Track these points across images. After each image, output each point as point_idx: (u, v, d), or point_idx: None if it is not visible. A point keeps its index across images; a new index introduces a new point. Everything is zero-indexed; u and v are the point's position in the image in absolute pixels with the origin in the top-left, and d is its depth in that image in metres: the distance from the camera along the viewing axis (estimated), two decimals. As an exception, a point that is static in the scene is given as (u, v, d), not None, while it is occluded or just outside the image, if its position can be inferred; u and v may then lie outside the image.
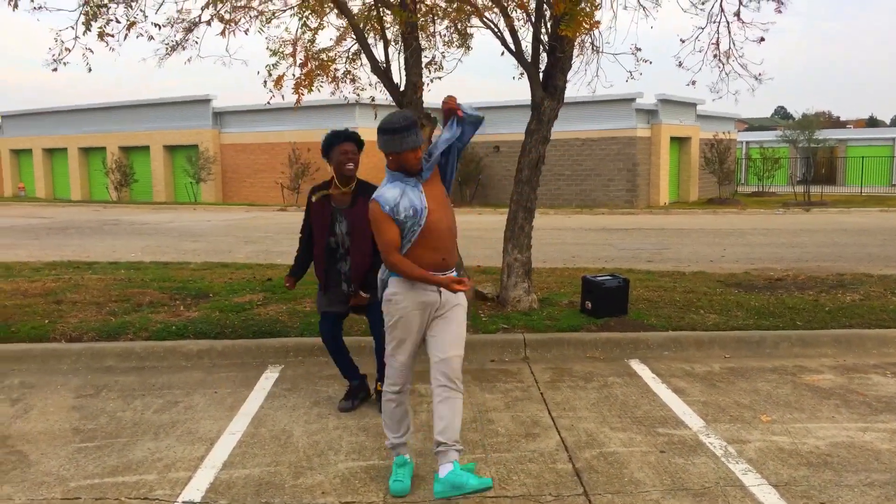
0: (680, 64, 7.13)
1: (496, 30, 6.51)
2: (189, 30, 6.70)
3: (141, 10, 6.33)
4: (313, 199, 4.56)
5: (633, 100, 25.40)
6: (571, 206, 25.62)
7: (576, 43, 6.64)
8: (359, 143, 4.49)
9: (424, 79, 7.02)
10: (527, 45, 6.73)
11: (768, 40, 7.13)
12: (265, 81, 6.67)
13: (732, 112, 32.45)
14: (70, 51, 6.20)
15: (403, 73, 6.88)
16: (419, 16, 6.79)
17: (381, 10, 6.85)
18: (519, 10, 6.57)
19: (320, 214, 4.51)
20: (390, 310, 3.56)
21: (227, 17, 6.62)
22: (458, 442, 3.54)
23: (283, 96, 6.71)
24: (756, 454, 3.95)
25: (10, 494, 3.53)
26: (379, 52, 6.94)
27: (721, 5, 6.97)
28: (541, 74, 6.75)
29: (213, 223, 19.05)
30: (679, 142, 28.87)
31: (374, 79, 7.16)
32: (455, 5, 6.61)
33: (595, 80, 7.12)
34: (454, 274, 3.59)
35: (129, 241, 14.24)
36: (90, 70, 6.48)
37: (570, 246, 13.42)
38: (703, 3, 6.97)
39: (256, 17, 6.81)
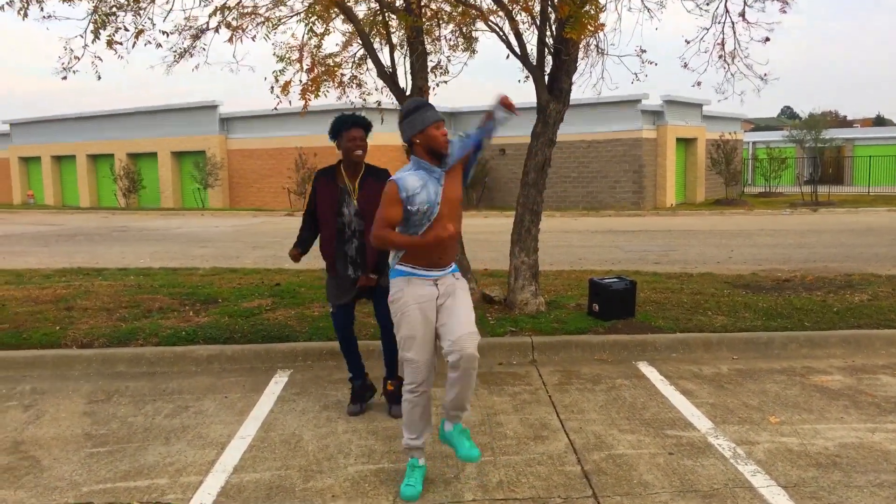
0: (685, 65, 7.14)
1: (501, 33, 6.53)
2: (196, 37, 6.76)
3: (149, 18, 6.40)
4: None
5: (638, 101, 25.37)
6: (578, 209, 25.60)
7: (581, 45, 6.67)
8: (367, 127, 4.49)
9: (430, 83, 7.06)
10: (532, 48, 6.76)
11: (774, 40, 7.13)
12: (272, 87, 6.72)
13: (738, 112, 32.36)
14: (79, 59, 6.27)
15: (409, 77, 6.93)
16: (424, 20, 6.83)
17: (386, 15, 6.89)
18: (524, 14, 6.59)
19: (328, 196, 4.51)
20: (393, 309, 3.61)
21: (234, 23, 6.68)
22: (465, 410, 3.66)
23: (290, 102, 6.76)
24: (765, 455, 3.95)
25: (23, 499, 3.57)
26: (385, 57, 6.99)
27: (726, 6, 6.99)
28: (546, 77, 6.77)
29: (221, 228, 19.13)
30: (685, 143, 28.81)
31: (380, 83, 7.20)
32: (460, 9, 6.65)
33: (600, 82, 7.16)
34: (451, 271, 3.64)
35: (137, 248, 14.33)
36: (99, 78, 6.55)
37: (577, 248, 13.41)
38: (707, 4, 6.99)
39: (263, 23, 6.86)
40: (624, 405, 4.79)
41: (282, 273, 9.64)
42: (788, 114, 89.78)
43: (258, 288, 8.32)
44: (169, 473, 3.82)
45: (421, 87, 6.83)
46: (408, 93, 6.92)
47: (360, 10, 7.20)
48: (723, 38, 7.08)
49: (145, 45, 6.58)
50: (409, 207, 3.47)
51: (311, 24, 6.85)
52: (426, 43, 7.02)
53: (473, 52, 7.72)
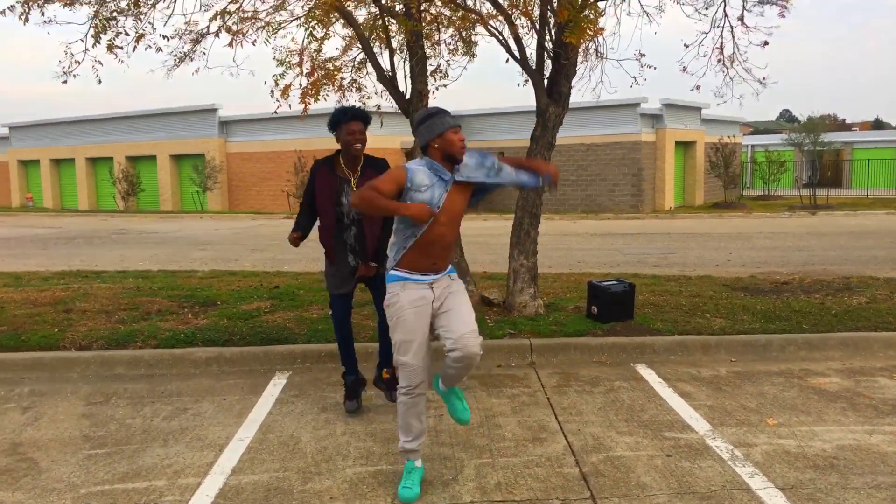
0: (684, 69, 7.16)
1: (501, 38, 6.56)
2: (197, 41, 6.78)
3: (150, 23, 6.42)
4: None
5: (637, 105, 25.42)
6: (577, 212, 25.63)
7: (580, 49, 6.69)
8: (367, 121, 4.51)
9: (430, 86, 7.08)
10: (531, 52, 6.78)
11: (772, 44, 7.16)
12: (272, 91, 6.74)
13: (737, 116, 32.42)
14: (80, 63, 6.28)
15: (409, 81, 6.95)
16: (424, 25, 6.86)
17: (386, 19, 6.91)
18: (523, 18, 6.61)
19: (326, 186, 4.52)
20: (389, 314, 3.63)
21: (234, 28, 6.70)
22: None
23: (289, 105, 6.78)
24: (762, 457, 3.96)
25: (21, 501, 3.57)
26: (384, 61, 7.02)
27: (724, 10, 7.01)
28: (545, 81, 6.79)
29: (220, 231, 19.15)
30: (684, 146, 28.86)
31: (380, 87, 7.23)
32: (460, 14, 6.67)
33: (599, 85, 7.17)
34: (448, 272, 3.67)
35: (136, 250, 14.34)
36: (100, 82, 6.57)
37: (576, 251, 13.43)
38: (706, 9, 7.02)
39: (263, 27, 6.88)
40: (622, 407, 4.80)
41: (280, 276, 9.65)
42: (787, 117, 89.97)
43: (257, 290, 8.33)
44: (167, 475, 3.83)
45: (420, 90, 6.85)
46: (407, 96, 6.94)
47: (360, 15, 7.23)
48: (721, 42, 7.11)
49: (146, 49, 6.60)
50: (408, 201, 3.49)
51: (311, 29, 6.88)
52: (426, 47, 7.05)
53: (473, 56, 7.75)
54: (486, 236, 15.17)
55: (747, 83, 7.16)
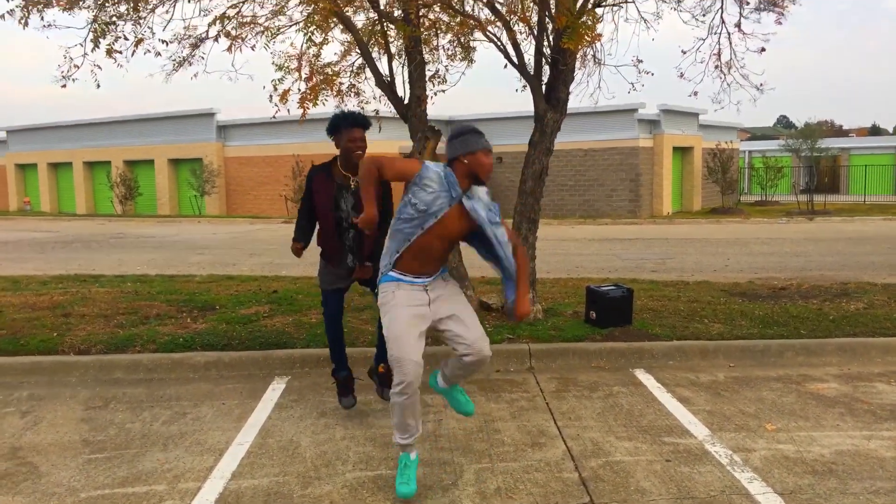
0: (682, 75, 7.19)
1: (499, 43, 6.58)
2: (196, 46, 6.80)
3: (149, 28, 6.44)
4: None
5: (635, 110, 25.50)
6: (575, 217, 25.67)
7: (578, 55, 6.71)
8: (367, 126, 4.54)
9: (428, 92, 7.09)
10: (529, 57, 6.80)
11: (769, 50, 7.19)
12: (271, 96, 6.75)
13: (735, 121, 32.52)
14: (79, 67, 6.29)
15: (407, 86, 6.97)
16: (422, 30, 6.87)
17: (385, 24, 6.94)
18: (521, 24, 6.64)
19: (324, 191, 4.55)
20: (382, 312, 3.68)
21: (233, 33, 6.71)
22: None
23: (288, 110, 6.79)
24: (761, 462, 3.97)
25: (21, 506, 3.57)
26: (383, 66, 7.04)
27: (721, 17, 7.05)
28: (543, 87, 6.82)
29: (218, 236, 19.14)
30: (682, 151, 28.94)
31: (379, 92, 7.24)
32: (458, 20, 6.69)
33: (597, 91, 7.19)
34: (441, 273, 3.74)
35: (134, 255, 14.32)
36: (98, 86, 6.58)
37: (574, 256, 13.45)
38: (703, 15, 7.06)
39: (262, 32, 6.89)
40: (621, 412, 4.81)
41: (279, 280, 9.64)
42: (784, 123, 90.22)
43: (256, 295, 8.33)
44: (167, 480, 3.82)
45: (419, 95, 6.87)
46: (406, 101, 6.96)
47: (359, 20, 7.25)
48: (719, 49, 7.15)
49: (144, 53, 6.62)
50: (410, 196, 3.53)
51: (309, 34, 6.89)
52: (424, 52, 7.06)
53: (471, 61, 7.77)
54: (484, 241, 15.16)
55: (744, 89, 7.20)
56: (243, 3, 6.66)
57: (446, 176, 3.56)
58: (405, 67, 7.02)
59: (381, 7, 6.83)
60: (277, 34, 6.99)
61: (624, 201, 26.45)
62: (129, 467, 3.98)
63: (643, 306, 7.40)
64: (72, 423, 4.70)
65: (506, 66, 6.80)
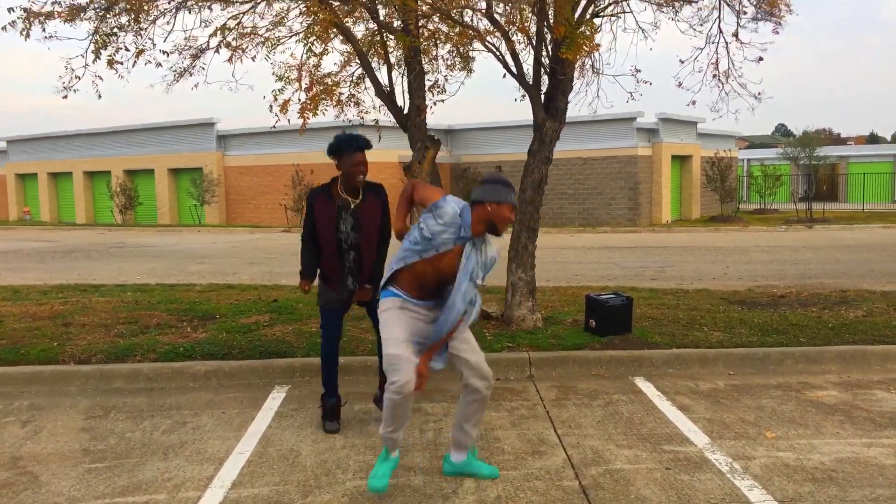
0: (680, 84, 7.23)
1: (498, 53, 6.62)
2: (196, 56, 6.83)
3: (149, 39, 6.47)
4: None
5: (633, 119, 25.59)
6: (574, 225, 25.70)
7: (576, 65, 6.76)
8: (369, 149, 4.58)
9: (427, 101, 7.13)
10: (528, 67, 6.84)
11: (767, 59, 7.22)
12: (271, 106, 6.78)
13: (733, 130, 32.64)
14: (80, 78, 6.33)
15: (407, 96, 7.01)
16: (422, 40, 6.92)
17: (384, 35, 6.98)
18: (520, 34, 6.68)
19: (324, 213, 4.58)
20: (381, 317, 3.73)
21: (234, 44, 6.75)
22: (476, 437, 3.87)
23: (288, 120, 6.83)
24: (761, 470, 3.98)
25: (22, 515, 3.57)
26: (383, 76, 7.08)
27: (719, 26, 7.10)
28: (542, 96, 6.86)
29: (218, 245, 19.15)
30: (680, 160, 29.01)
31: (378, 102, 7.28)
32: (457, 30, 6.73)
33: (596, 100, 7.22)
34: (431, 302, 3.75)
35: (134, 264, 14.33)
36: (100, 97, 6.61)
37: (574, 265, 13.46)
38: (701, 25, 7.11)
39: (262, 43, 6.94)
40: (621, 420, 4.81)
41: (279, 289, 9.66)
42: (783, 131, 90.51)
43: (256, 304, 8.34)
44: (167, 489, 3.82)
45: (418, 105, 6.91)
46: (405, 111, 6.99)
47: (359, 31, 7.29)
48: (717, 58, 7.19)
49: (145, 64, 6.65)
50: (421, 221, 3.58)
51: (309, 45, 6.94)
52: (424, 62, 7.11)
53: (470, 71, 7.81)
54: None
55: (743, 98, 7.24)
56: (244, 14, 6.71)
57: (462, 213, 3.56)
58: (405, 77, 7.06)
59: (381, 18, 6.87)
60: (278, 45, 7.04)
61: (623, 209, 26.50)
62: (129, 476, 3.99)
63: (643, 314, 7.42)
64: (72, 432, 4.70)
65: (505, 76, 6.84)
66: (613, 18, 6.99)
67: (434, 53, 7.54)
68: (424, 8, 6.48)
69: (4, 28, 6.13)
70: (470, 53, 7.64)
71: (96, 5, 6.12)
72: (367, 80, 7.14)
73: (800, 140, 43.83)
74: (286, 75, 6.95)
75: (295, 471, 4.05)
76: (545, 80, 6.84)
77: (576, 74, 6.90)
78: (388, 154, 24.57)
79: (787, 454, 4.19)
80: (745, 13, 6.97)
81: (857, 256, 14.36)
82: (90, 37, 6.27)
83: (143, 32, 6.43)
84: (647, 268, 12.89)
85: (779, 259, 14.15)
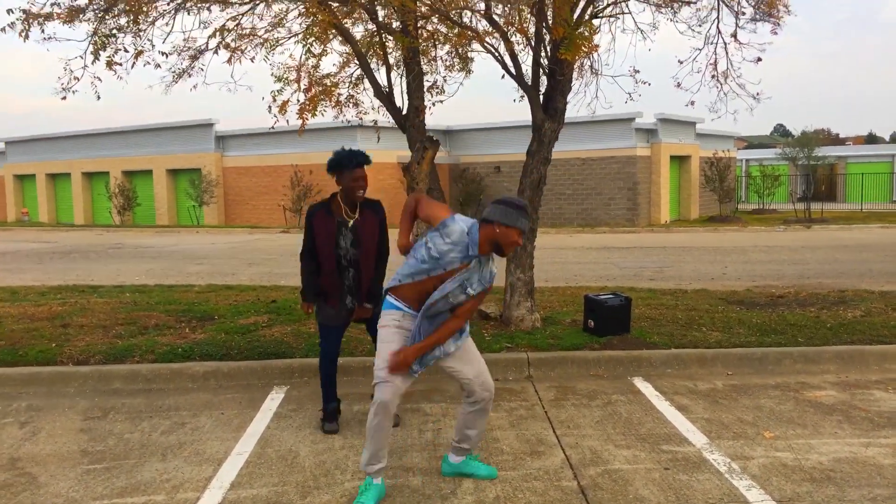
0: (678, 84, 7.24)
1: (497, 54, 6.62)
2: (195, 57, 6.83)
3: (148, 40, 6.47)
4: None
5: (632, 119, 25.60)
6: (573, 226, 25.71)
7: (575, 66, 6.76)
8: (368, 163, 4.59)
9: (426, 102, 7.14)
10: (527, 68, 6.85)
11: (766, 60, 7.26)
12: (270, 107, 6.79)
13: (732, 130, 32.66)
14: (79, 79, 6.33)
15: (406, 96, 7.01)
16: (421, 41, 6.92)
17: (383, 36, 6.99)
18: (519, 35, 6.68)
19: (324, 229, 4.58)
20: (380, 332, 3.72)
21: (233, 45, 6.75)
22: (477, 443, 3.89)
23: (287, 121, 6.83)
24: (759, 470, 3.98)
25: (20, 516, 3.57)
26: (381, 77, 7.08)
27: (718, 27, 7.11)
28: (541, 97, 6.86)
29: (217, 246, 19.14)
30: (679, 160, 29.03)
31: (377, 103, 7.29)
32: (456, 31, 6.74)
33: (595, 101, 7.23)
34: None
35: (133, 265, 14.32)
36: (99, 98, 6.61)
37: (572, 265, 13.47)
38: (700, 26, 7.12)
39: (261, 44, 6.94)
40: (619, 421, 4.82)
41: (278, 290, 9.65)
42: (781, 131, 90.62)
43: (254, 305, 8.34)
44: (166, 490, 3.83)
45: (417, 106, 6.91)
46: (404, 112, 6.99)
47: (358, 32, 7.30)
48: (715, 59, 7.20)
49: (144, 65, 6.65)
50: (428, 240, 3.57)
51: (308, 46, 6.94)
52: (422, 63, 7.11)
53: (469, 72, 7.82)
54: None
55: (741, 98, 7.25)
56: (243, 15, 6.71)
57: (469, 231, 3.54)
58: (403, 78, 7.06)
59: (380, 19, 6.88)
60: (277, 46, 7.04)
61: (622, 210, 26.51)
62: (127, 477, 3.99)
63: (641, 314, 7.42)
64: (70, 433, 4.70)
65: (503, 77, 6.85)
66: (612, 19, 7.01)
67: (433, 54, 7.55)
68: (423, 9, 6.49)
69: (3, 29, 6.13)
70: (469, 54, 7.65)
71: (95, 6, 6.12)
72: (366, 81, 7.14)
73: (798, 140, 43.86)
74: (285, 76, 6.96)
75: (293, 471, 4.05)
76: (544, 80, 6.85)
77: (574, 75, 6.91)
78: (386, 155, 24.59)
79: (786, 454, 4.20)
80: (743, 14, 6.98)
81: (855, 256, 14.38)
82: (89, 38, 6.27)
83: (141, 33, 6.43)
84: (645, 268, 12.90)
85: (777, 259, 14.16)
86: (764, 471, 3.97)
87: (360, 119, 7.80)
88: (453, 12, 6.51)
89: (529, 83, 6.81)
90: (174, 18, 6.47)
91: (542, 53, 6.70)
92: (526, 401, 5.27)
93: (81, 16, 6.12)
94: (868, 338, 6.52)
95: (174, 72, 6.89)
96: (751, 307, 8.01)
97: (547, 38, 6.52)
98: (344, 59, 7.41)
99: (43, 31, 6.10)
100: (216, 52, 6.80)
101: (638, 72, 6.73)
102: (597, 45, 6.33)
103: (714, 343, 6.40)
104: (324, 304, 4.70)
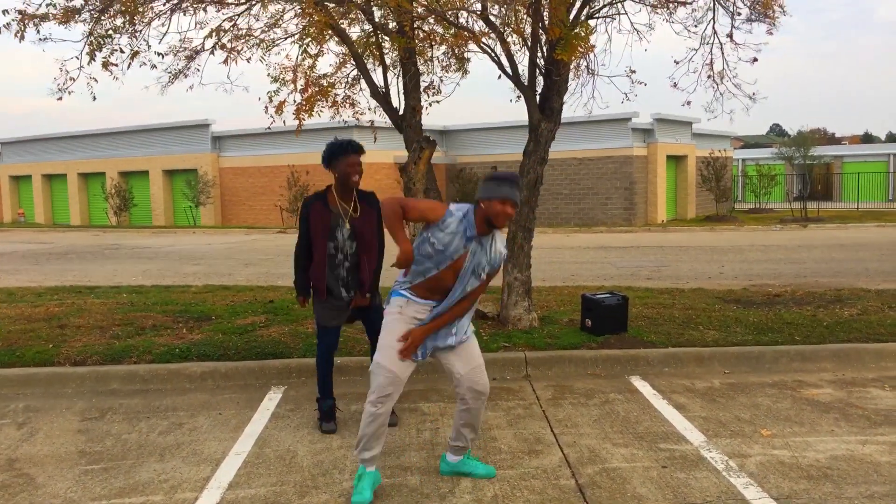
0: (675, 85, 7.25)
1: (493, 55, 6.63)
2: (191, 58, 6.84)
3: (144, 40, 6.48)
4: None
5: (629, 119, 25.64)
6: (570, 225, 25.74)
7: (571, 66, 6.77)
8: (362, 152, 4.58)
9: (423, 102, 7.15)
10: (523, 68, 6.86)
11: (762, 60, 7.26)
12: (266, 107, 6.78)
13: (728, 130, 32.73)
14: (75, 80, 6.32)
15: (402, 97, 7.02)
16: (417, 42, 6.92)
17: (380, 36, 6.99)
18: (515, 36, 6.70)
19: (320, 221, 4.56)
20: (384, 320, 3.75)
21: (229, 45, 6.75)
22: (473, 441, 3.89)
23: (284, 121, 6.82)
24: (757, 468, 3.99)
25: (18, 517, 3.56)
26: (378, 78, 7.08)
27: (714, 27, 7.13)
28: (538, 97, 6.87)
29: (213, 246, 19.12)
30: (675, 160, 29.07)
31: (374, 103, 7.29)
32: (453, 32, 6.74)
33: (591, 101, 7.24)
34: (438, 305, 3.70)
35: (129, 266, 14.30)
36: (94, 98, 6.60)
37: (570, 264, 13.49)
38: (696, 26, 7.13)
39: (258, 45, 6.94)
40: (617, 419, 4.82)
41: (275, 290, 9.65)
42: (777, 131, 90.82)
43: (251, 305, 8.33)
44: (164, 490, 3.82)
45: (414, 106, 6.92)
46: (401, 112, 7.00)
47: (354, 32, 7.30)
48: (711, 59, 7.22)
49: (140, 66, 6.65)
50: (429, 235, 3.59)
51: (305, 46, 6.94)
52: (419, 63, 7.12)
53: (466, 72, 7.82)
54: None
55: (737, 98, 7.27)
56: (239, 16, 6.71)
57: (465, 217, 3.60)
58: (400, 78, 7.07)
59: (376, 19, 6.88)
60: (273, 46, 7.05)
61: (618, 209, 26.55)
62: (125, 478, 3.98)
63: (638, 314, 7.44)
64: (68, 434, 4.70)
65: (500, 77, 6.85)
66: (608, 20, 7.02)
67: (429, 54, 7.55)
68: (420, 9, 6.49)
69: (-1, 31, 6.12)
70: (465, 55, 7.65)
71: (91, 7, 6.12)
72: (363, 82, 7.15)
73: (794, 140, 43.97)
74: (281, 77, 6.96)
75: (292, 471, 4.05)
76: (540, 81, 6.85)
77: (571, 75, 6.92)
78: (383, 155, 24.62)
79: (783, 452, 4.21)
80: (739, 14, 7.00)
81: (851, 255, 14.42)
82: (85, 38, 6.27)
83: (137, 34, 6.44)
84: (642, 267, 12.92)
85: (774, 258, 14.19)
86: (761, 468, 3.98)
87: (357, 119, 7.80)
88: (450, 13, 6.52)
89: (526, 83, 6.82)
90: (170, 19, 6.48)
91: (539, 54, 6.70)
92: (524, 400, 5.28)
93: (77, 16, 6.12)
94: (864, 336, 6.55)
95: (170, 72, 6.90)
96: (748, 306, 8.03)
97: (543, 38, 6.53)
98: (340, 60, 7.42)
99: (39, 31, 6.09)
100: (212, 52, 6.80)
101: (634, 72, 6.74)
102: (593, 46, 6.34)
103: (711, 342, 6.41)
104: (318, 301, 4.68)
